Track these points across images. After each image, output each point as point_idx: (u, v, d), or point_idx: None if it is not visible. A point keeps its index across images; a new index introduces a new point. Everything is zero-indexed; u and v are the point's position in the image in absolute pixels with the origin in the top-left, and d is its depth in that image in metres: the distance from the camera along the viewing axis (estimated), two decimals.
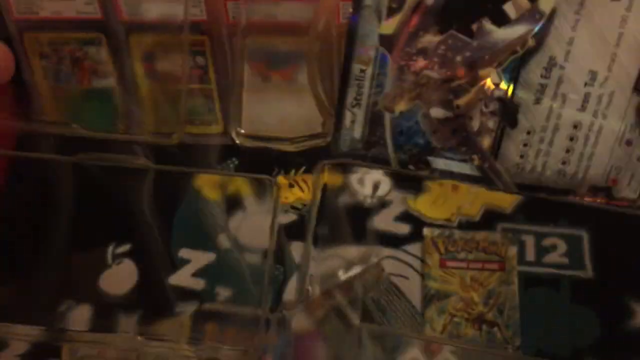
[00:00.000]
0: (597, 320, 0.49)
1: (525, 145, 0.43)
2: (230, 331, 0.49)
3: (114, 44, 0.48)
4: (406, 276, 0.50)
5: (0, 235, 0.50)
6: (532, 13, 0.41)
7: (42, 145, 0.51)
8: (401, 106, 0.43)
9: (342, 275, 0.50)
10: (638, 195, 0.43)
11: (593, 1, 0.41)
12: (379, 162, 0.44)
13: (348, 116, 0.44)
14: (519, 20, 0.41)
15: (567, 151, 0.43)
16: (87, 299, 0.50)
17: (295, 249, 0.51)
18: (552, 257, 0.50)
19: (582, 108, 0.42)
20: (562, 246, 0.51)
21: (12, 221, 0.51)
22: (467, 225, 0.51)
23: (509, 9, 0.41)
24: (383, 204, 0.52)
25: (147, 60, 0.48)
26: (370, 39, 0.42)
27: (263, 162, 0.52)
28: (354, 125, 0.44)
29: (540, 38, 0.41)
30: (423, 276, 0.50)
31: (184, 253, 0.51)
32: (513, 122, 0.42)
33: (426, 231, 0.51)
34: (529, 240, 0.51)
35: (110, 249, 0.51)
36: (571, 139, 0.43)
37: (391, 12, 0.42)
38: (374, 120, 0.43)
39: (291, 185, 0.53)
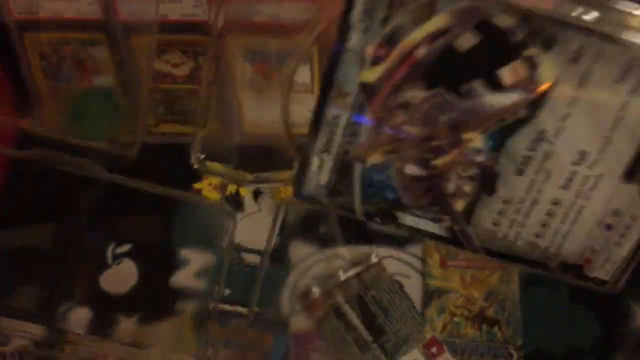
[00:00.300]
0: (597, 320, 0.49)
1: (500, 213, 0.41)
2: (230, 331, 0.50)
3: (115, 44, 0.47)
4: (407, 275, 0.50)
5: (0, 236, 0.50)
6: (529, 82, 0.38)
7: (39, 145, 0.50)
8: (374, 158, 0.40)
9: (342, 275, 0.50)
10: (609, 278, 0.41)
11: (596, 79, 0.37)
12: (344, 210, 0.42)
13: (315, 161, 0.41)
14: (513, 87, 0.38)
15: (543, 225, 0.41)
16: (87, 299, 0.50)
17: (295, 249, 0.51)
18: None
19: (565, 186, 0.40)
20: None
21: (11, 221, 0.50)
22: None
23: (505, 74, 0.38)
24: None
25: (148, 61, 0.47)
26: (349, 85, 0.39)
27: (264, 161, 0.50)
28: (321, 171, 0.41)
29: (533, 109, 0.38)
30: (424, 275, 0.50)
31: (184, 253, 0.51)
32: (490, 190, 0.41)
33: None
34: None
35: (110, 249, 0.50)
36: (549, 214, 0.41)
37: (376, 60, 0.39)
38: (343, 169, 0.41)
39: None
